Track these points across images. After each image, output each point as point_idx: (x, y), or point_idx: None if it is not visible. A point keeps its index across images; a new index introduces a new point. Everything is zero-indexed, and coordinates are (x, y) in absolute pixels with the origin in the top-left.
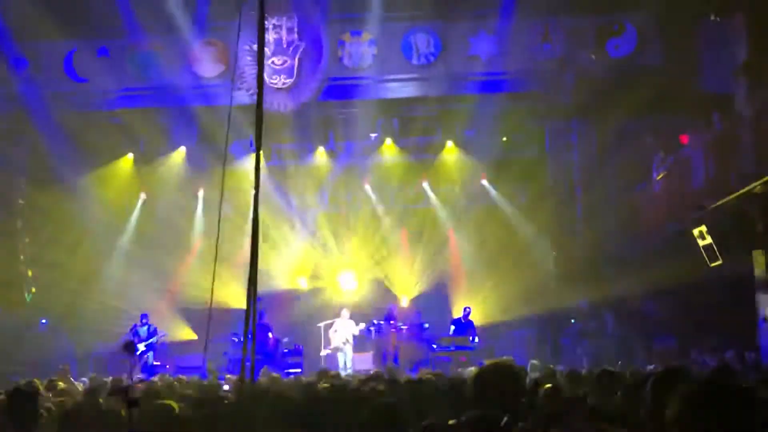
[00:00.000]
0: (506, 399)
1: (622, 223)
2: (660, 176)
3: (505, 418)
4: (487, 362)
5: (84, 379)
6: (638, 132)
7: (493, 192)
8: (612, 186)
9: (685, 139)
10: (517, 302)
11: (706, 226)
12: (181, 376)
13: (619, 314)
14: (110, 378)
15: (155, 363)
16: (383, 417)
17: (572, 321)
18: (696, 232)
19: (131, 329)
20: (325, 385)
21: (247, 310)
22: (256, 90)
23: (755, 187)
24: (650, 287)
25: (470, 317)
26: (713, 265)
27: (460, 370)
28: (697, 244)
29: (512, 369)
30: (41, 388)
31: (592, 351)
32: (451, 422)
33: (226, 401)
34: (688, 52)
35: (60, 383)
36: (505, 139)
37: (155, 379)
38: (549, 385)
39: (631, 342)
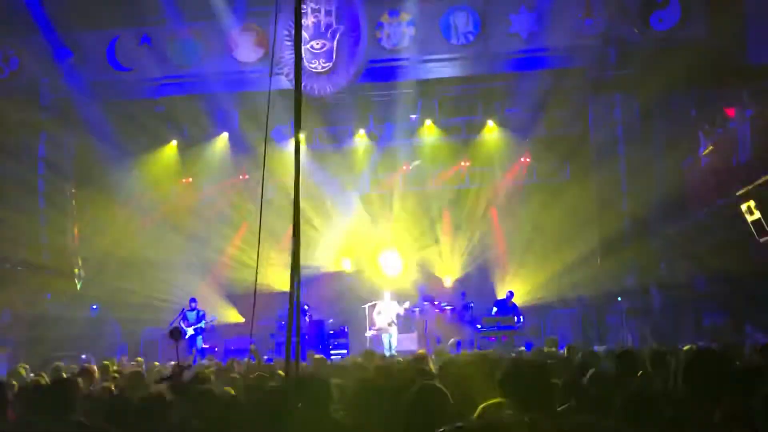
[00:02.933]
0: (535, 398)
1: (668, 199)
2: (706, 151)
3: None
4: (513, 358)
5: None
6: (683, 106)
7: (535, 170)
8: (657, 161)
9: (731, 112)
10: (562, 281)
11: (755, 201)
12: (232, 358)
13: (667, 291)
14: (157, 363)
15: (204, 346)
16: (429, 399)
17: (618, 299)
18: (744, 207)
19: (180, 313)
20: (371, 366)
21: (291, 293)
22: (297, 76)
23: None
24: (698, 263)
25: (513, 300)
26: (762, 240)
27: (504, 350)
28: (746, 219)
29: (540, 367)
30: (96, 372)
31: (639, 329)
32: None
33: (271, 384)
34: (733, 23)
35: (112, 367)
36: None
37: (204, 362)
38: (593, 370)
39: (679, 319)
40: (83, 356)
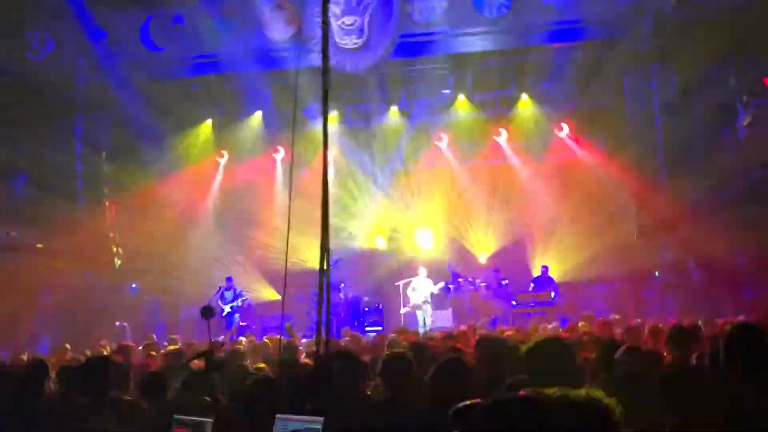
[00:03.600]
0: (559, 376)
1: (706, 171)
2: (746, 122)
3: None
4: (538, 338)
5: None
6: (721, 76)
7: (570, 144)
8: (695, 133)
9: None
10: (599, 256)
11: None
12: (268, 335)
13: (705, 265)
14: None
15: (242, 324)
16: (453, 373)
17: (656, 274)
18: None
19: (218, 292)
20: (404, 342)
21: (321, 269)
22: (324, 54)
23: None
24: (737, 236)
25: (549, 274)
26: None
27: (541, 326)
28: None
29: (563, 344)
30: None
31: (678, 304)
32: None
33: (304, 361)
34: None
35: (150, 347)
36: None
37: (241, 339)
38: (627, 345)
39: (718, 294)
40: (117, 323)
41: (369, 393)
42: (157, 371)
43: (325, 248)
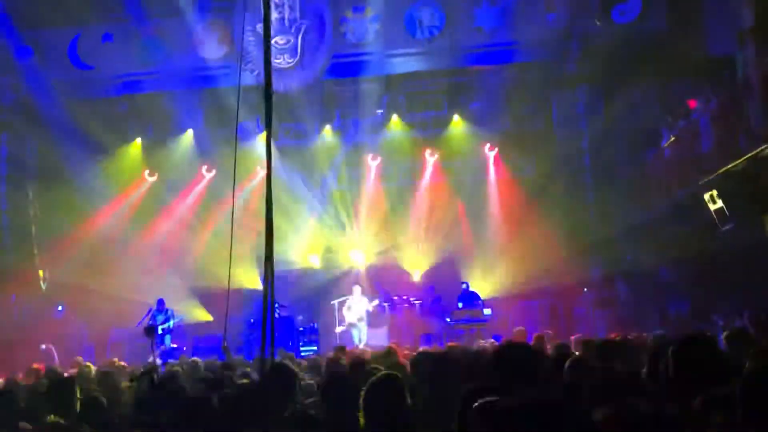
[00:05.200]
0: (526, 376)
1: (632, 190)
2: (668, 142)
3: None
4: (504, 341)
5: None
6: (646, 98)
7: (501, 165)
8: (621, 153)
9: (692, 103)
10: (529, 273)
11: (717, 190)
12: (196, 358)
13: (632, 282)
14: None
15: (173, 345)
16: (388, 389)
17: (585, 290)
18: (707, 196)
19: (148, 312)
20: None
21: (265, 289)
22: (262, 70)
23: (764, 149)
24: (663, 253)
25: (471, 289)
26: (724, 228)
27: (475, 343)
28: (708, 208)
29: (529, 347)
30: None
31: (606, 319)
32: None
33: (244, 381)
34: (692, 16)
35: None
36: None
37: (173, 361)
38: (574, 357)
39: (644, 308)
40: (42, 346)
41: (309, 412)
42: (95, 394)
43: (269, 265)
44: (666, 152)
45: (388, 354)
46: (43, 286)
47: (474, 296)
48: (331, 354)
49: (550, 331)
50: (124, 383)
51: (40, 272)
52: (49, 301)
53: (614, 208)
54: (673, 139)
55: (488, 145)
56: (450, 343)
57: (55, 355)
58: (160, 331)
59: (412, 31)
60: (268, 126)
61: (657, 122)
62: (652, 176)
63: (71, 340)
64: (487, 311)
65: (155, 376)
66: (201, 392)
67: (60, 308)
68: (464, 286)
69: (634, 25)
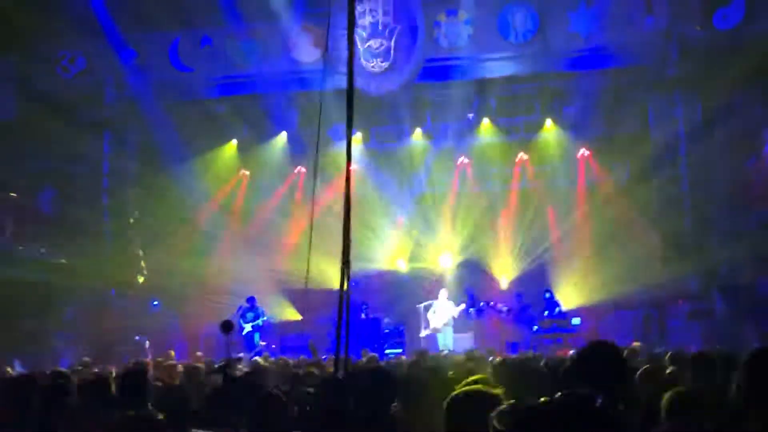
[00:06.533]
0: (607, 379)
1: (731, 199)
2: None
3: (600, 399)
4: (589, 342)
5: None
6: (747, 104)
7: (595, 169)
8: (720, 160)
9: None
10: (622, 282)
11: None
12: (283, 356)
13: (730, 294)
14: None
15: (262, 343)
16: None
17: (680, 301)
18: None
19: (238, 310)
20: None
21: (341, 289)
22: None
23: None
24: (762, 265)
25: (555, 298)
26: None
27: (560, 352)
28: None
29: (614, 349)
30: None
31: (702, 332)
32: (542, 399)
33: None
34: None
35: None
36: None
37: (258, 359)
38: (647, 366)
39: (741, 323)
40: (137, 337)
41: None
42: (176, 386)
43: (346, 263)
44: (767, 160)
45: (470, 360)
46: (141, 279)
47: (555, 304)
48: (414, 357)
49: (639, 343)
50: (205, 375)
51: (141, 263)
52: (146, 297)
53: (712, 215)
54: None
55: (582, 150)
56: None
57: (149, 347)
58: (250, 328)
59: (505, 35)
60: (349, 128)
61: (758, 128)
62: (752, 184)
63: (165, 333)
64: (576, 321)
65: (230, 371)
66: (278, 389)
67: (156, 303)
68: (547, 294)
69: (738, 29)
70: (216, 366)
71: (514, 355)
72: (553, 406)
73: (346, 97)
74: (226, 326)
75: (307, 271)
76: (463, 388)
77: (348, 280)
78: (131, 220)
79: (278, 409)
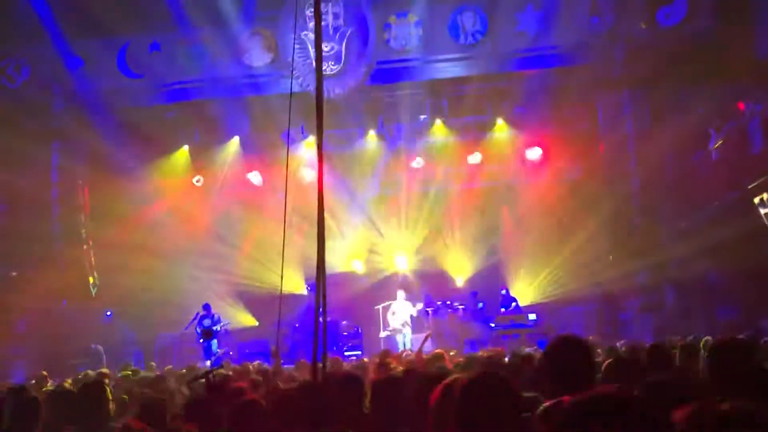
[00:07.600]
0: (579, 374)
1: (679, 194)
2: (717, 145)
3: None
4: (557, 337)
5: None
6: (693, 101)
7: (546, 168)
8: (668, 156)
9: (741, 105)
10: (575, 278)
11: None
12: (245, 361)
13: (680, 287)
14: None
15: (220, 351)
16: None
17: (630, 295)
18: (757, 199)
19: (194, 317)
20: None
21: (317, 294)
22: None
23: None
24: (711, 258)
25: (511, 295)
26: None
27: (519, 347)
28: (758, 211)
29: (584, 343)
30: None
31: (654, 325)
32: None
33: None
34: (741, 17)
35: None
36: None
37: (223, 365)
38: (611, 360)
39: (692, 314)
40: (93, 346)
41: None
42: (156, 397)
43: (322, 272)
44: (714, 154)
45: (437, 359)
46: (93, 292)
47: (511, 299)
48: (377, 359)
49: (597, 337)
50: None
51: (90, 279)
52: (98, 307)
53: (661, 210)
54: (721, 141)
55: (533, 149)
56: (495, 348)
57: (104, 356)
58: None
59: (455, 36)
60: (319, 135)
61: (705, 125)
62: (700, 178)
63: (120, 344)
64: (531, 316)
65: (212, 379)
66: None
67: (108, 313)
68: (503, 291)
69: (680, 27)
70: (198, 374)
71: (477, 353)
72: (599, 401)
73: (315, 105)
74: (207, 334)
75: (282, 275)
76: (468, 375)
77: (324, 282)
78: (82, 231)
79: (259, 414)
